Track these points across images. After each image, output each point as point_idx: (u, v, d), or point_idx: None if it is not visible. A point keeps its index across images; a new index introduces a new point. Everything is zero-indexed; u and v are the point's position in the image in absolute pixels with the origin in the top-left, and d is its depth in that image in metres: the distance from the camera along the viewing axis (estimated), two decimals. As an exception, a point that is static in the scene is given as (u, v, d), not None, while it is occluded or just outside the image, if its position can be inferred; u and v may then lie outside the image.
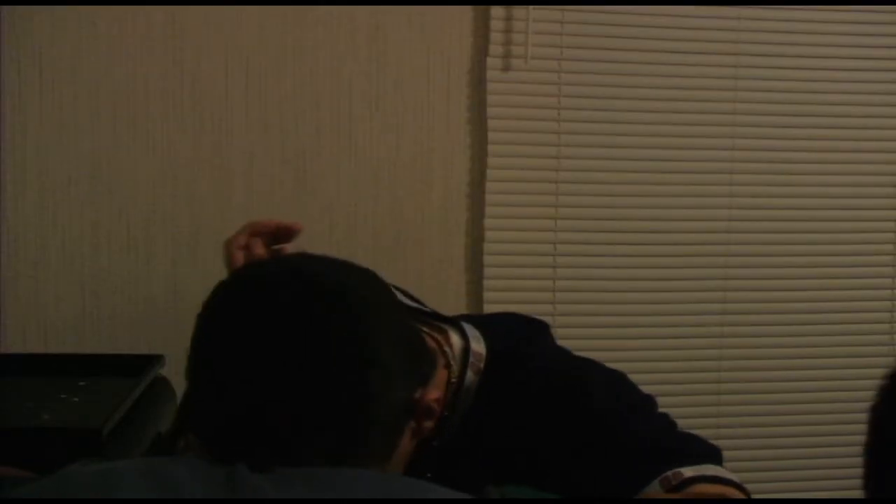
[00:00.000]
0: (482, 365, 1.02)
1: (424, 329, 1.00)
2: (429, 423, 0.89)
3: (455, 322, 1.05)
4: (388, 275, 0.95)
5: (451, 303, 2.12)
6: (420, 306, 1.12)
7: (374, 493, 0.74)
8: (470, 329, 1.04)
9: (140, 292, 2.03)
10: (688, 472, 0.97)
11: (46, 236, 2.00)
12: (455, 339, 1.02)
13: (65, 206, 2.01)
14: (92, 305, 2.02)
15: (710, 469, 0.98)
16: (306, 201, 2.06)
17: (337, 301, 0.83)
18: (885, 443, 0.68)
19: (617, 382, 1.07)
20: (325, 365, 0.80)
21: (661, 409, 1.09)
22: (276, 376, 0.79)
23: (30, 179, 1.99)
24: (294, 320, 0.81)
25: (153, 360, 1.74)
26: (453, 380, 1.00)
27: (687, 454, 0.99)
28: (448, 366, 1.01)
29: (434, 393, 0.88)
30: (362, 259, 0.93)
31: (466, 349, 1.02)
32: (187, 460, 0.74)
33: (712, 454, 1.02)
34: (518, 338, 1.06)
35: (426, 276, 2.10)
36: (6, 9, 1.94)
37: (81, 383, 1.66)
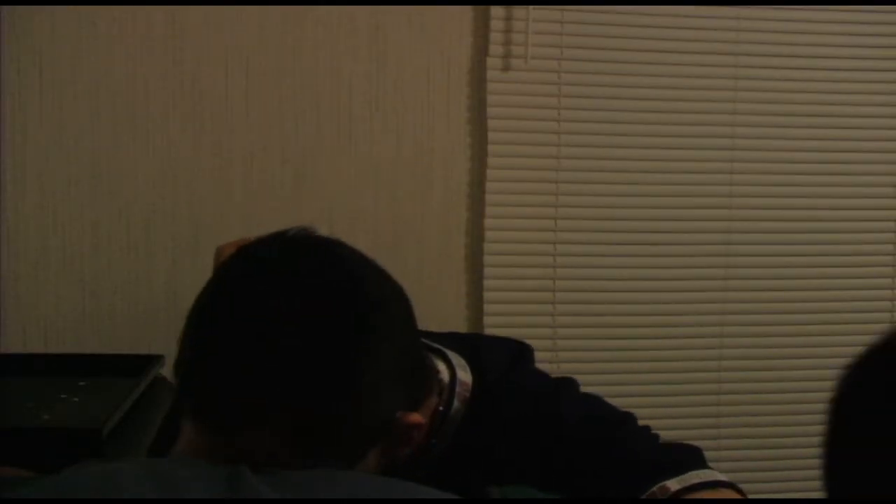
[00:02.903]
0: (468, 395, 1.01)
1: None
2: (403, 450, 0.87)
3: (439, 350, 1.04)
4: (388, 275, 0.95)
5: (451, 303, 2.12)
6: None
7: (374, 495, 0.74)
8: (455, 357, 1.04)
9: (140, 292, 2.03)
10: (673, 484, 0.97)
11: (46, 236, 2.00)
12: (441, 367, 1.02)
13: (65, 206, 2.01)
14: (92, 305, 2.02)
15: (695, 477, 0.98)
16: (306, 201, 2.06)
17: (354, 288, 0.83)
18: (840, 435, 0.68)
19: (593, 406, 1.06)
20: (321, 335, 0.79)
21: (650, 419, 1.09)
22: (266, 338, 0.78)
23: (30, 179, 1.99)
24: (302, 290, 0.80)
25: (153, 360, 1.74)
26: (441, 408, 1.00)
27: (670, 466, 0.99)
28: (440, 393, 1.00)
29: (417, 417, 0.86)
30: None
31: (453, 377, 1.02)
32: (189, 461, 0.74)
33: (694, 458, 1.02)
34: (503, 367, 1.05)
35: (426, 276, 2.10)
36: (6, 9, 1.94)
37: (81, 383, 1.66)
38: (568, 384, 1.08)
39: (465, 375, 1.02)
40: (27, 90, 1.98)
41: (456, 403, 1.00)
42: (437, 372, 1.01)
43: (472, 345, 1.07)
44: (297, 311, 0.79)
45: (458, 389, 1.00)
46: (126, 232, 2.03)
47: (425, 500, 0.77)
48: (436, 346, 1.04)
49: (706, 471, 1.00)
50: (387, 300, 0.86)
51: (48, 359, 1.79)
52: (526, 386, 1.04)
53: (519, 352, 1.08)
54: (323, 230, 0.88)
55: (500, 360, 1.06)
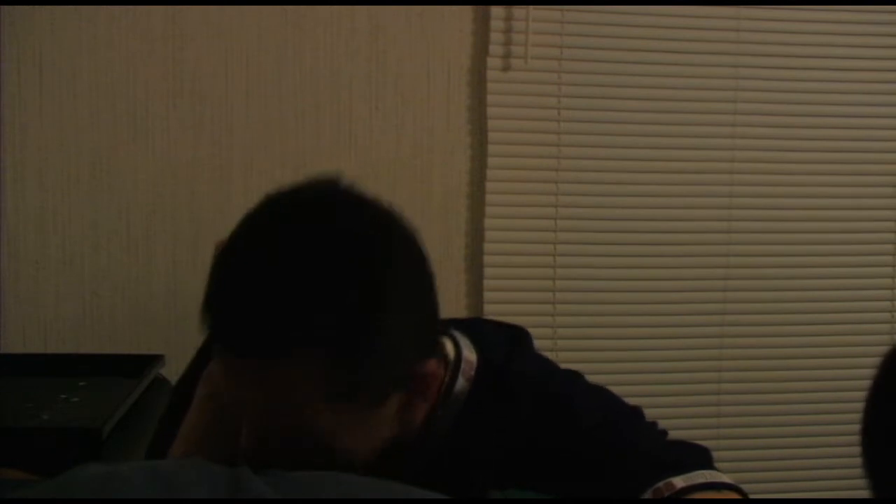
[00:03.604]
0: (473, 373, 1.01)
1: None
2: (420, 407, 0.91)
3: (444, 330, 1.05)
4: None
5: (451, 303, 2.12)
6: None
7: (374, 496, 0.74)
8: (460, 337, 1.04)
9: (140, 292, 2.03)
10: (679, 481, 0.97)
11: (46, 236, 2.00)
12: (447, 344, 1.02)
13: (65, 206, 2.01)
14: (92, 305, 2.02)
15: (701, 476, 0.98)
16: (306, 201, 2.06)
17: (383, 228, 0.89)
18: (878, 420, 0.68)
19: (602, 398, 1.06)
20: (342, 266, 0.84)
21: (651, 420, 1.08)
22: (295, 271, 0.83)
23: (30, 179, 1.99)
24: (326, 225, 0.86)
25: (153, 360, 1.74)
26: (447, 379, 1.00)
27: (677, 463, 0.99)
28: (446, 365, 1.01)
29: (434, 366, 0.90)
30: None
31: (458, 355, 1.02)
32: (190, 462, 0.75)
33: (701, 458, 1.02)
34: (505, 348, 1.05)
35: (426, 276, 2.10)
36: (6, 9, 1.94)
37: (81, 383, 1.66)
38: (575, 374, 1.08)
39: (470, 355, 1.02)
40: (27, 90, 1.98)
41: (461, 380, 1.00)
42: (443, 346, 1.01)
43: (472, 328, 1.07)
44: (323, 245, 0.84)
45: (463, 367, 1.01)
46: (126, 232, 2.03)
47: (425, 500, 0.77)
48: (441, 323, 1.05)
49: (712, 471, 1.00)
50: (411, 245, 0.92)
51: (48, 359, 1.79)
52: (535, 374, 1.04)
53: (519, 336, 1.08)
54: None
55: (501, 344, 1.06)
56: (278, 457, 0.87)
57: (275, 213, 0.89)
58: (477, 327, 1.08)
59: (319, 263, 0.84)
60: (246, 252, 0.87)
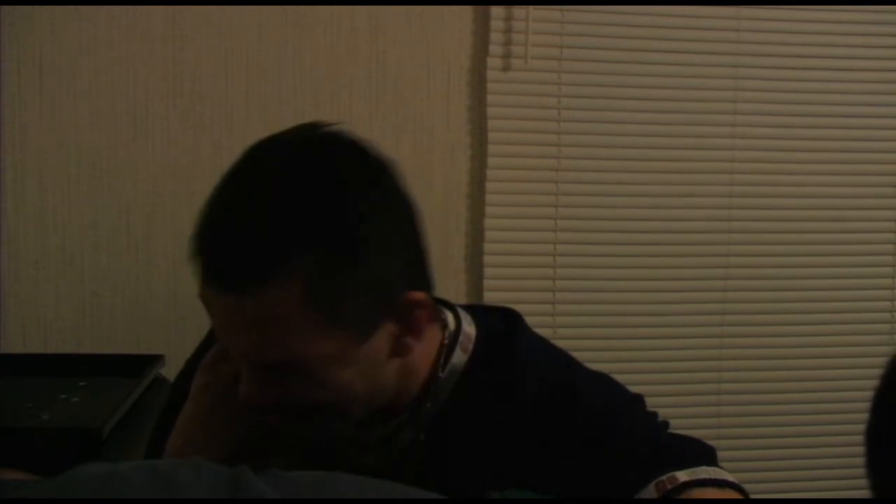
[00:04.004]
0: (471, 346, 1.01)
1: None
2: (411, 343, 0.91)
3: (448, 304, 1.05)
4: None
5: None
6: None
7: (375, 495, 0.74)
8: (463, 313, 1.04)
9: (140, 292, 2.03)
10: (682, 476, 0.96)
11: (46, 236, 2.00)
12: (449, 316, 1.02)
13: (65, 206, 2.01)
14: (92, 305, 2.02)
15: (704, 472, 0.98)
16: (306, 201, 2.06)
17: (358, 159, 0.92)
18: (883, 421, 0.68)
19: (605, 384, 1.06)
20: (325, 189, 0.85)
21: (652, 409, 1.08)
22: (272, 194, 0.85)
23: (30, 179, 1.99)
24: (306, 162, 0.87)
25: (153, 360, 1.74)
26: (446, 342, 1.00)
27: (681, 457, 0.99)
28: (443, 329, 1.00)
29: (422, 295, 0.90)
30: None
31: (458, 327, 1.02)
32: (190, 462, 0.75)
33: (706, 455, 1.02)
34: (503, 326, 1.05)
35: (426, 276, 2.10)
36: (6, 9, 1.94)
37: (81, 383, 1.66)
38: (575, 360, 1.08)
39: (469, 328, 1.02)
40: (27, 90, 1.98)
41: (458, 352, 1.00)
42: (442, 312, 1.01)
43: (469, 308, 1.07)
44: (303, 176, 0.86)
45: (461, 339, 1.01)
46: (126, 232, 2.03)
47: (425, 500, 0.77)
48: (443, 298, 1.05)
49: (716, 469, 0.99)
50: (391, 179, 0.93)
51: (48, 359, 1.79)
52: (537, 352, 1.04)
53: (515, 317, 1.08)
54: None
55: (501, 322, 1.06)
56: (277, 402, 0.88)
57: (256, 157, 0.92)
58: (476, 308, 1.08)
59: (296, 194, 0.85)
60: (223, 193, 0.91)
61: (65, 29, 1.98)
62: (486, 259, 2.14)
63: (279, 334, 0.85)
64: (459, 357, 1.00)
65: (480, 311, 1.08)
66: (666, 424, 1.06)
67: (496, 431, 0.99)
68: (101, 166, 2.01)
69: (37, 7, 1.96)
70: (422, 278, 0.93)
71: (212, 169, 2.03)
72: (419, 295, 0.90)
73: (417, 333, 0.92)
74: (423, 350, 0.96)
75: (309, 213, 0.84)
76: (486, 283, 2.14)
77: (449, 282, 2.14)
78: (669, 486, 0.96)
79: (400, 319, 0.90)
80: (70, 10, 1.97)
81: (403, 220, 0.92)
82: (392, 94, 2.10)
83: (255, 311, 0.84)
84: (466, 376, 1.00)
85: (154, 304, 2.03)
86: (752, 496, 1.01)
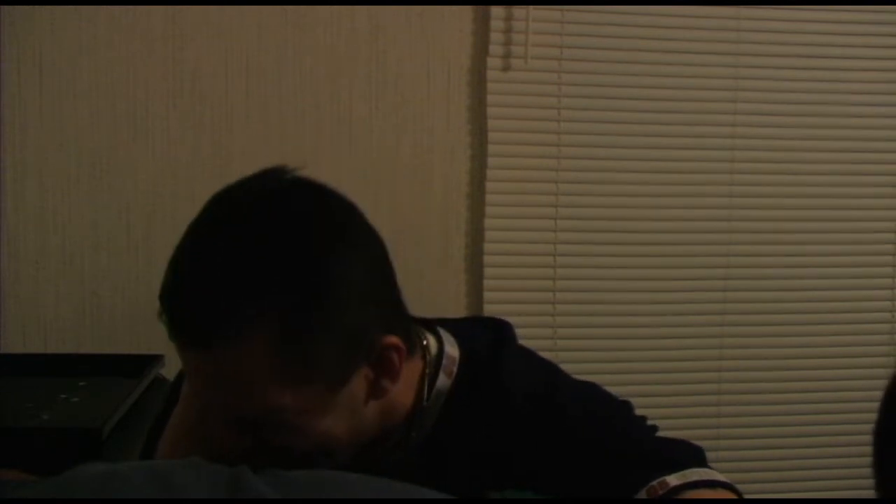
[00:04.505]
0: (455, 369, 1.01)
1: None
2: (388, 385, 0.90)
3: (430, 326, 1.04)
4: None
5: (451, 303, 2.12)
6: None
7: (374, 495, 0.74)
8: (444, 333, 1.04)
9: (140, 292, 2.03)
10: (673, 479, 0.96)
11: (46, 236, 2.00)
12: (431, 340, 1.02)
13: (65, 206, 2.01)
14: (92, 305, 2.02)
15: (695, 474, 0.98)
16: (306, 201, 2.05)
17: (322, 210, 0.90)
18: (891, 422, 0.68)
19: (591, 393, 1.06)
20: (289, 243, 0.84)
21: (652, 419, 1.08)
22: (235, 247, 0.85)
23: (30, 179, 1.99)
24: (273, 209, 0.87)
25: (153, 360, 1.74)
26: (428, 371, 1.00)
27: (671, 460, 0.99)
28: (424, 357, 1.00)
29: (395, 339, 0.89)
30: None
31: (441, 350, 1.01)
32: (190, 462, 0.75)
33: (696, 456, 1.02)
34: (489, 345, 1.05)
35: (426, 275, 2.10)
36: (6, 9, 1.94)
37: (81, 383, 1.66)
38: (560, 370, 1.08)
39: (452, 350, 1.02)
40: (27, 90, 1.98)
41: (442, 376, 1.00)
42: (423, 339, 1.01)
43: (457, 326, 1.06)
44: (266, 227, 0.85)
45: (444, 363, 1.00)
46: (126, 232, 2.03)
47: (425, 500, 0.77)
48: (425, 318, 1.04)
49: (706, 469, 0.99)
50: (355, 223, 0.92)
51: (48, 359, 1.79)
52: (520, 370, 1.04)
53: (501, 330, 1.08)
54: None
55: (485, 338, 1.05)
56: (252, 451, 0.86)
57: (219, 208, 0.91)
58: (461, 325, 1.08)
59: (259, 248, 0.84)
60: (187, 248, 0.91)
61: (65, 29, 1.98)
62: (486, 259, 2.14)
63: (250, 389, 0.84)
64: (444, 382, 1.00)
65: (466, 327, 1.07)
66: (654, 428, 1.06)
67: (483, 450, 0.99)
68: (101, 166, 2.01)
69: (37, 7, 1.96)
70: (394, 319, 0.93)
71: (212, 169, 2.04)
72: (392, 339, 0.90)
73: (394, 376, 0.91)
74: (403, 387, 0.96)
75: (273, 267, 0.84)
76: (486, 283, 2.14)
77: (449, 282, 2.14)
78: (661, 491, 0.96)
79: (374, 364, 0.90)
80: (70, 10, 1.97)
81: (371, 263, 0.91)
82: (392, 94, 2.10)
83: (224, 367, 0.83)
84: (451, 400, 1.00)
85: (154, 304, 2.02)
86: (753, 496, 1.02)
